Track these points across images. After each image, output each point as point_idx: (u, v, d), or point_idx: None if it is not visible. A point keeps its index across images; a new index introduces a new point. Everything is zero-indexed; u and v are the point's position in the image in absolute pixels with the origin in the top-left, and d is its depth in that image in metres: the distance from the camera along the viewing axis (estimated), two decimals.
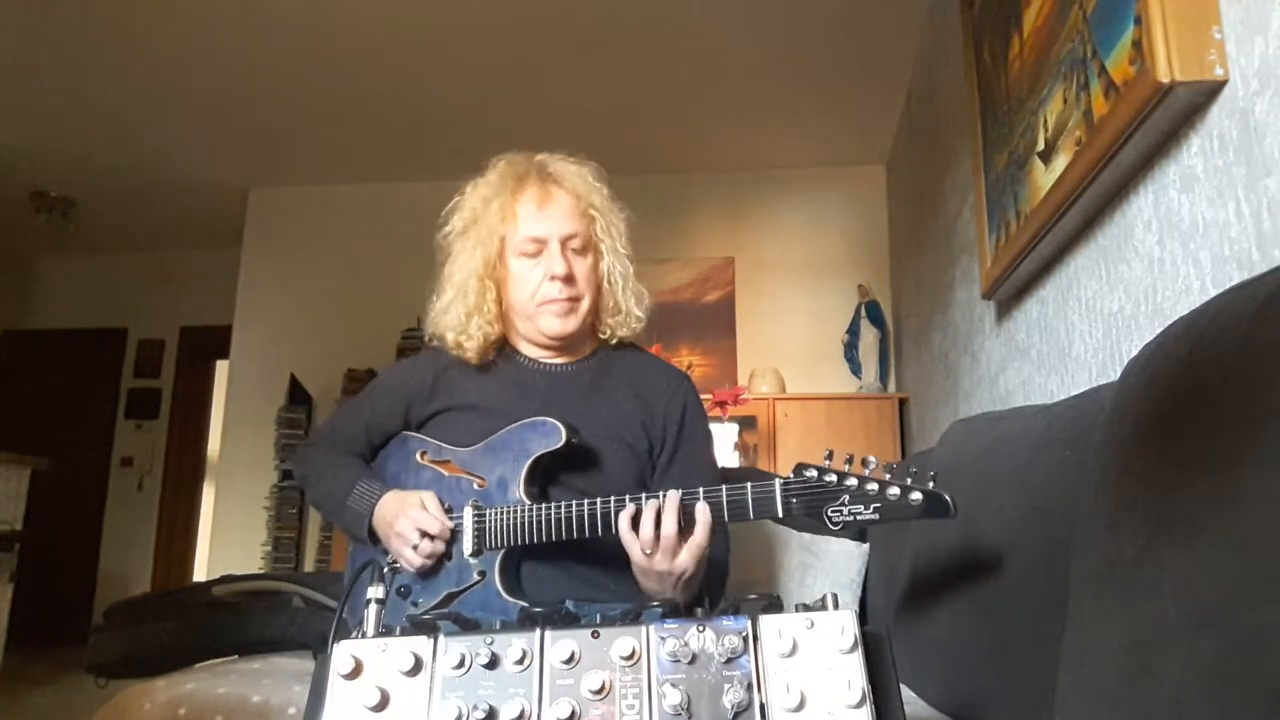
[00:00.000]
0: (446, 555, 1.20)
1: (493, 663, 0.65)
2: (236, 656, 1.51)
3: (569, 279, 1.26)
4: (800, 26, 3.18)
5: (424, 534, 1.18)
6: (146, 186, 4.69)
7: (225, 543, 4.44)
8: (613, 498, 1.10)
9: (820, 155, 4.26)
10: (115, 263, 5.67)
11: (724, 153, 4.26)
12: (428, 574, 1.21)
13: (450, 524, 1.19)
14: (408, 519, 1.19)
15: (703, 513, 1.04)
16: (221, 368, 5.13)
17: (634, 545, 1.06)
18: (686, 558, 1.06)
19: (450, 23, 3.18)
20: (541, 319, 1.29)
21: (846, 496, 0.94)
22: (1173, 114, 1.13)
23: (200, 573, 5.33)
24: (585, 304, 1.29)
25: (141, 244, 5.54)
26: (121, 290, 5.65)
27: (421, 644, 0.67)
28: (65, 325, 5.65)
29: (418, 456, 1.31)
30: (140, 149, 4.25)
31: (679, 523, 1.04)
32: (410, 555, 1.19)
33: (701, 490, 1.06)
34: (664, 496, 1.05)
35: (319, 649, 0.72)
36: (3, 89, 3.67)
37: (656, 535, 1.04)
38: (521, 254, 1.27)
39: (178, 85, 3.63)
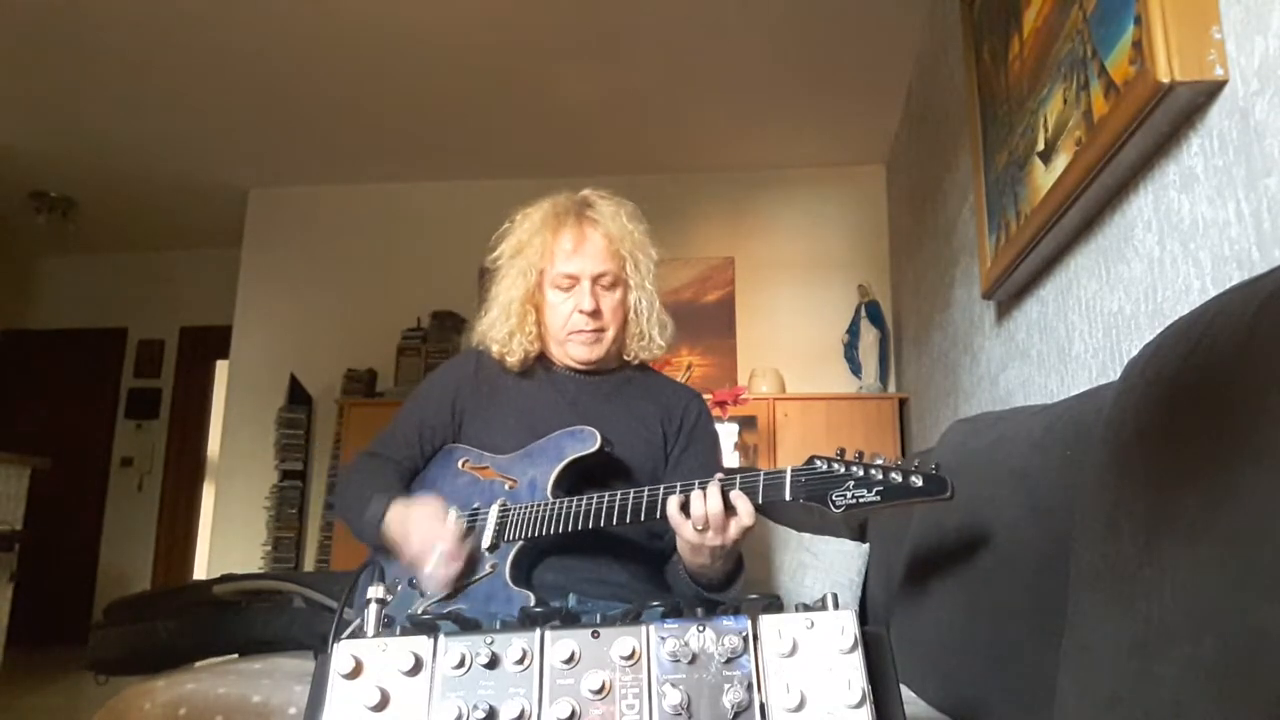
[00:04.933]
0: (469, 560, 1.24)
1: (493, 662, 0.65)
2: (237, 656, 1.51)
3: (595, 313, 1.38)
4: (800, 26, 3.18)
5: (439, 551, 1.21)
6: (146, 186, 4.68)
7: (225, 542, 4.44)
8: (630, 491, 1.16)
9: (820, 155, 4.26)
10: (115, 263, 5.67)
11: (724, 153, 4.26)
12: None
13: (453, 527, 1.22)
14: (418, 537, 1.22)
15: (740, 499, 1.09)
16: (221, 368, 5.13)
17: (685, 525, 1.11)
18: (734, 531, 1.11)
19: (450, 23, 3.18)
20: (570, 346, 1.41)
21: (851, 482, 0.99)
22: (1173, 114, 1.13)
23: (200, 573, 5.33)
24: (610, 334, 1.41)
25: (141, 244, 5.53)
26: (121, 290, 5.65)
27: (421, 644, 0.67)
28: (65, 325, 5.65)
29: (459, 464, 1.39)
30: (140, 149, 4.24)
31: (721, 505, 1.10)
32: (428, 579, 1.22)
33: (737, 477, 1.11)
34: (705, 486, 1.11)
35: (319, 649, 0.72)
36: (3, 89, 3.67)
37: (706, 515, 1.10)
38: (556, 286, 1.40)
39: (178, 85, 3.63)
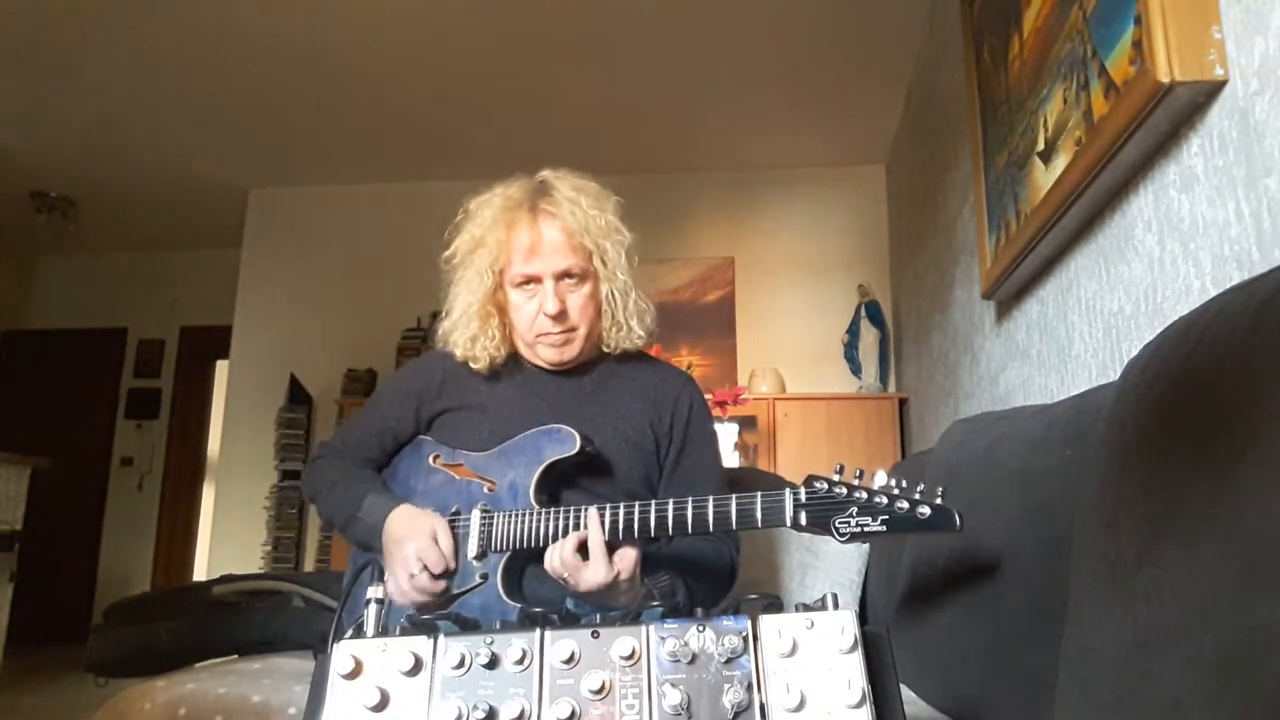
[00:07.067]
0: (441, 595, 1.18)
1: (493, 663, 0.65)
2: (236, 656, 1.51)
3: (562, 315, 1.27)
4: (800, 26, 3.18)
5: (424, 566, 1.16)
6: (146, 186, 4.69)
7: (225, 543, 4.44)
8: (621, 505, 1.11)
9: (820, 155, 4.26)
10: (115, 263, 5.67)
11: (724, 153, 4.26)
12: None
13: (454, 565, 1.18)
14: (414, 546, 1.17)
15: (597, 542, 1.08)
16: (221, 368, 5.13)
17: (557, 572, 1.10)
18: (584, 585, 1.08)
19: (451, 23, 3.18)
20: (540, 349, 1.32)
21: (855, 508, 0.96)
22: (1173, 114, 1.13)
23: (200, 573, 5.33)
24: (582, 332, 1.31)
25: (141, 244, 5.54)
26: (121, 290, 5.65)
27: (421, 644, 0.67)
28: (65, 325, 5.65)
29: (430, 460, 1.32)
30: (140, 149, 4.25)
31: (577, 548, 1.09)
32: (402, 581, 1.17)
33: (710, 500, 1.07)
34: (585, 523, 1.10)
35: (319, 649, 0.72)
36: (3, 89, 3.67)
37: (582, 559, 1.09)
38: (518, 287, 1.29)
39: (178, 85, 3.63)
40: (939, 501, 0.93)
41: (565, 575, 1.09)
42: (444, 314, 1.36)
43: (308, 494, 1.45)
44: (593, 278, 1.30)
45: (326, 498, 1.37)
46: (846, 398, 3.83)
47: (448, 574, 1.17)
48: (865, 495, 0.96)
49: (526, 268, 1.27)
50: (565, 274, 1.28)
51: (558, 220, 1.27)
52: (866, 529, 0.95)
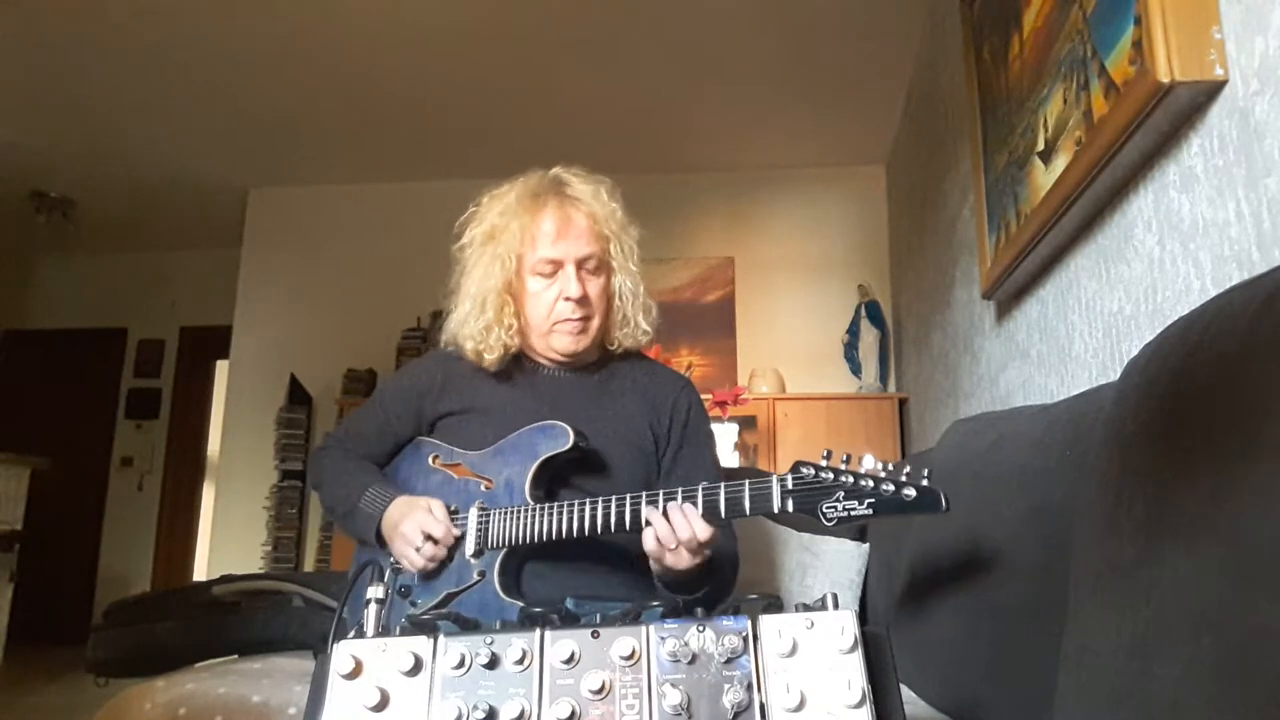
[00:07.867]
0: (449, 557, 1.22)
1: (493, 663, 0.65)
2: (236, 656, 1.51)
3: (582, 300, 1.29)
4: (801, 26, 3.18)
5: (427, 537, 1.21)
6: (146, 186, 4.69)
7: (225, 543, 4.44)
8: (613, 498, 1.12)
9: (820, 155, 4.26)
10: (115, 263, 5.67)
11: (724, 153, 4.26)
12: (429, 574, 1.23)
13: (456, 530, 1.22)
14: (413, 522, 1.22)
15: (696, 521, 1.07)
16: (221, 368, 5.13)
17: (648, 536, 1.09)
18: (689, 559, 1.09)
19: (451, 23, 3.18)
20: (554, 338, 1.32)
21: (841, 493, 0.96)
22: (1173, 114, 1.13)
23: (200, 573, 5.33)
24: (596, 322, 1.33)
25: (141, 244, 5.54)
26: (121, 290, 5.65)
27: (421, 644, 0.67)
28: (65, 325, 5.65)
29: (430, 460, 1.34)
30: (140, 149, 4.25)
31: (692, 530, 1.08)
32: (413, 556, 1.22)
33: (700, 488, 1.08)
34: (661, 505, 1.08)
35: (319, 649, 0.72)
36: (3, 89, 3.67)
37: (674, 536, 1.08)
38: (538, 274, 1.30)
39: (178, 85, 3.63)
40: (925, 483, 0.92)
41: (683, 543, 1.07)
42: (452, 306, 1.36)
43: (312, 483, 1.48)
44: (607, 269, 1.33)
45: (330, 488, 1.39)
46: (846, 398, 3.83)
47: (450, 538, 1.21)
48: (851, 479, 0.95)
49: (552, 251, 1.28)
50: (587, 260, 1.29)
51: (583, 206, 1.30)
52: (853, 513, 0.94)
